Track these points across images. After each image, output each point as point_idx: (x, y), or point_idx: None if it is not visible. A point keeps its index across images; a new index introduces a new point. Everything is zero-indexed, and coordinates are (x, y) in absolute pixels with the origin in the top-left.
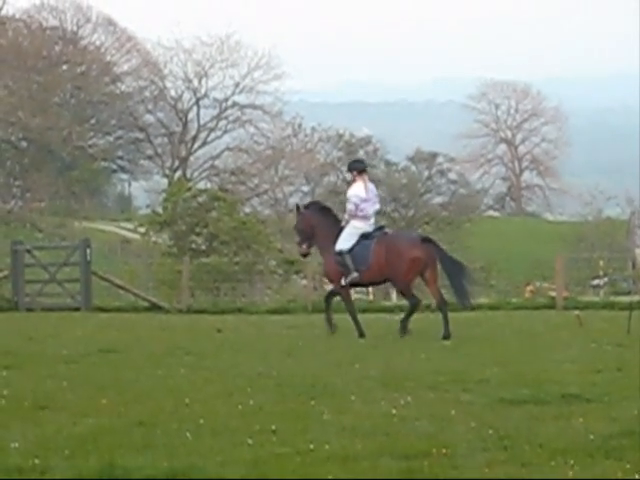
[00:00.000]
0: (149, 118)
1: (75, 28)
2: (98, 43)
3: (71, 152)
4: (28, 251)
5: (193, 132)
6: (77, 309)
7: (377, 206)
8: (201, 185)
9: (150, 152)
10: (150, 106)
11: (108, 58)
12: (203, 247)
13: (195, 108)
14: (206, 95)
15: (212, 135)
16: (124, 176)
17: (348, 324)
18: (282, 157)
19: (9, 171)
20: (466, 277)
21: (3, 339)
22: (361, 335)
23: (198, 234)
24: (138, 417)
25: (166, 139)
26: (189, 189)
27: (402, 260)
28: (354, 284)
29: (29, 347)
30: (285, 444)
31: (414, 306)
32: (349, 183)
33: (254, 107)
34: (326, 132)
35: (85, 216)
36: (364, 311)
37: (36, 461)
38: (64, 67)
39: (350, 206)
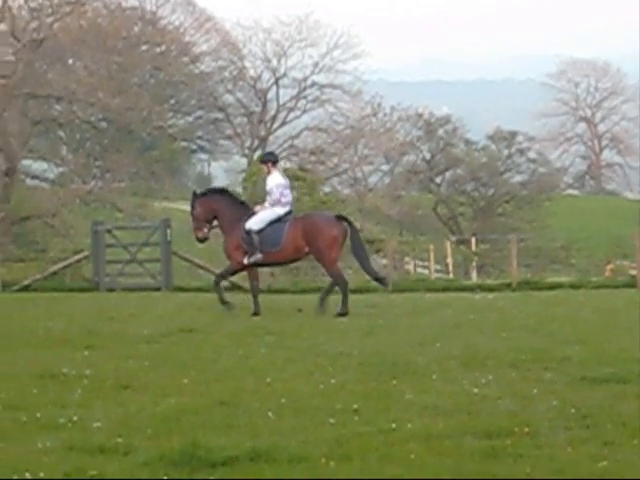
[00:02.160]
0: (228, 98)
1: (154, 8)
2: (177, 23)
3: (151, 132)
4: (109, 231)
5: (272, 112)
6: (157, 289)
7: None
8: (281, 165)
9: (229, 132)
10: (229, 86)
11: (187, 38)
12: None
13: (274, 88)
14: (285, 75)
15: (291, 115)
16: (204, 156)
17: (422, 304)
18: (361, 136)
19: (89, 152)
20: (368, 257)
21: (85, 319)
22: (256, 314)
23: None
24: (220, 396)
25: (245, 119)
26: None
27: (324, 239)
28: (258, 264)
29: (110, 327)
30: (367, 423)
31: (336, 285)
32: (265, 175)
33: (333, 86)
34: (405, 111)
35: (165, 196)
36: (444, 289)
37: (119, 440)
38: (143, 47)
39: (276, 195)
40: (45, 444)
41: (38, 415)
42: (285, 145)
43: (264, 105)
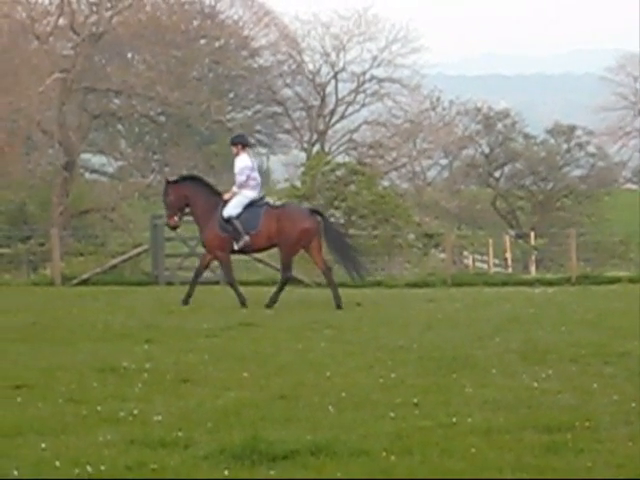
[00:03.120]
0: (287, 92)
1: (213, 2)
2: (236, 17)
3: (210, 126)
4: (168, 225)
5: (331, 106)
6: (216, 283)
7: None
8: (339, 159)
9: (288, 126)
10: (288, 80)
11: (246, 32)
12: (342, 221)
13: (333, 82)
14: (344, 69)
15: (350, 109)
16: (262, 150)
17: (481, 298)
18: (420, 130)
19: (148, 145)
20: (351, 249)
21: (144, 313)
22: (242, 304)
23: (337, 208)
24: (280, 390)
25: (304, 113)
26: (327, 163)
27: (294, 230)
28: (240, 251)
29: (170, 321)
30: (427, 417)
31: (287, 280)
32: (233, 156)
33: (392, 80)
34: (464, 105)
35: (224, 190)
36: (503, 284)
37: (179, 434)
38: (202, 41)
39: (242, 177)
40: (106, 437)
41: (99, 408)
42: (344, 139)
43: (323, 99)
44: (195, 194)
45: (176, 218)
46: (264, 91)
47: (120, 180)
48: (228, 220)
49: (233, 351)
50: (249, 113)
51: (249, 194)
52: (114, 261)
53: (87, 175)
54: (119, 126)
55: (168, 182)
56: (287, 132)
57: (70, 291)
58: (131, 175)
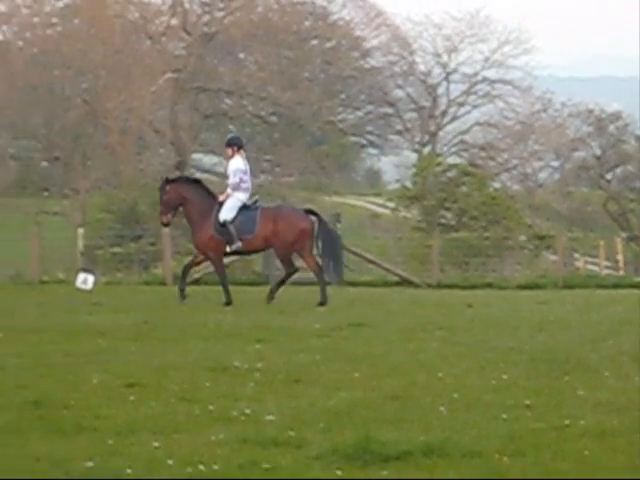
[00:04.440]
0: (398, 93)
1: (325, 3)
2: (348, 18)
3: (321, 127)
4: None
5: (442, 107)
6: (327, 283)
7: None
8: (450, 160)
9: (399, 127)
10: (400, 81)
11: (358, 33)
12: (452, 222)
13: (444, 83)
14: (455, 70)
15: (461, 110)
16: (373, 151)
17: (592, 300)
18: (531, 132)
19: (259, 146)
20: (340, 251)
21: (255, 313)
22: (228, 304)
23: (448, 209)
24: (391, 391)
25: (415, 114)
26: (439, 164)
27: (291, 231)
28: (234, 252)
29: (281, 321)
30: (540, 419)
31: (291, 274)
32: (227, 158)
33: (504, 82)
34: (576, 107)
35: (334, 191)
36: (615, 286)
37: (291, 434)
38: (314, 42)
39: (235, 179)
40: (218, 436)
41: (211, 407)
42: (455, 140)
43: (434, 100)
44: (192, 196)
45: (169, 216)
46: (375, 92)
47: None
48: (224, 224)
49: (344, 351)
50: (360, 114)
51: (241, 197)
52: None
53: (198, 175)
54: (230, 126)
55: (167, 181)
56: (398, 133)
57: None
58: None
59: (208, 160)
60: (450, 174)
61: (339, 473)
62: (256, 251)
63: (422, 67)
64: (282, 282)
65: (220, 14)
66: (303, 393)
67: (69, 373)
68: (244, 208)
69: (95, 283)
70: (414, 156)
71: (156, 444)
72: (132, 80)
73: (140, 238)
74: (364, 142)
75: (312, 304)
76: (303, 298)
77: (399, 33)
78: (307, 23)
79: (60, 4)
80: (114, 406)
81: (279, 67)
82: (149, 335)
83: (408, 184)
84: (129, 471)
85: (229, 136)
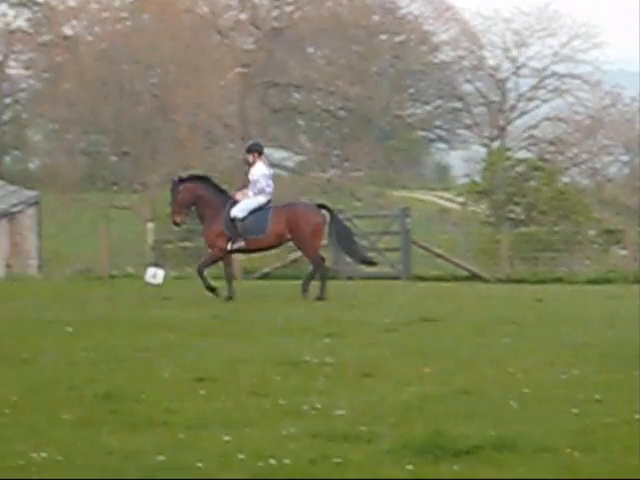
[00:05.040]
0: (467, 87)
1: None
2: (416, 12)
3: (390, 121)
4: (348, 220)
5: (512, 101)
6: (397, 278)
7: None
8: (519, 154)
9: (468, 121)
10: (468, 75)
11: (426, 27)
12: (521, 217)
13: (513, 77)
14: (525, 64)
15: (531, 104)
16: (442, 145)
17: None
18: (601, 127)
19: (328, 140)
20: (355, 242)
21: (325, 307)
22: (230, 298)
23: (517, 203)
24: (462, 385)
25: (484, 108)
26: (508, 158)
27: (307, 225)
28: (241, 250)
29: (351, 315)
30: (611, 414)
31: (318, 269)
32: (249, 164)
33: (573, 76)
34: None
35: (403, 185)
36: None
37: (362, 428)
38: (383, 37)
39: (261, 185)
40: (289, 430)
41: (281, 402)
42: (524, 135)
43: (503, 95)
44: (206, 194)
45: (183, 215)
46: (444, 86)
47: (300, 174)
48: (233, 220)
49: (414, 346)
50: (429, 108)
51: (262, 200)
52: (295, 255)
53: None
54: (299, 121)
55: (180, 180)
56: (467, 127)
57: (251, 285)
58: (311, 170)
59: (277, 155)
60: (519, 169)
61: (410, 468)
62: (269, 248)
63: (491, 61)
64: (312, 276)
65: (289, 9)
66: (373, 387)
67: (140, 367)
68: (257, 209)
69: (165, 277)
70: (483, 150)
71: (227, 438)
72: (201, 75)
73: None
74: (433, 136)
75: (382, 299)
76: (374, 292)
77: (468, 27)
78: (376, 17)
79: None
80: (184, 400)
81: (348, 62)
82: (219, 329)
83: (477, 179)
84: (200, 465)
85: (250, 142)
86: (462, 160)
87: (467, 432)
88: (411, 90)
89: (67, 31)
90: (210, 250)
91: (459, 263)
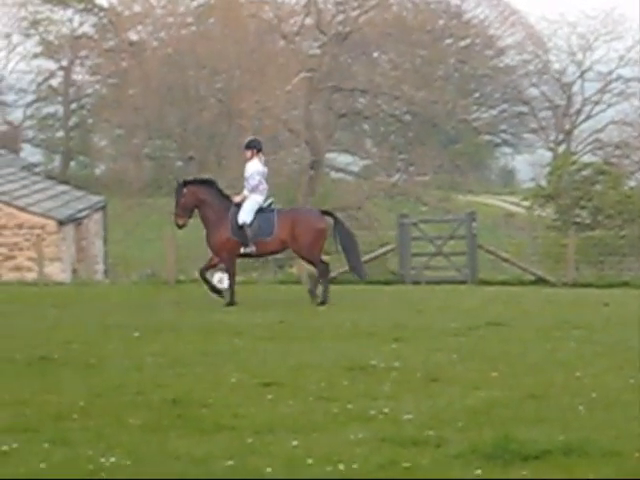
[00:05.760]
0: (533, 91)
1: (459, 2)
2: (482, 17)
3: (455, 126)
4: (414, 224)
5: (577, 105)
6: (463, 282)
7: None
8: (585, 158)
9: (534, 125)
10: (534, 79)
11: (491, 32)
12: (588, 221)
13: (579, 81)
14: (590, 68)
15: (596, 108)
16: (507, 149)
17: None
18: None
19: (393, 145)
20: (359, 250)
21: (392, 312)
22: (231, 304)
23: (583, 207)
24: (529, 390)
25: (550, 112)
26: (574, 162)
27: (309, 232)
28: (247, 255)
29: (417, 320)
30: None
31: (323, 271)
32: (246, 161)
33: (639, 80)
34: None
35: (469, 189)
36: None
37: (430, 433)
38: (448, 41)
39: (254, 182)
40: (357, 435)
41: (349, 406)
42: (590, 139)
43: (569, 98)
44: (209, 198)
45: (186, 218)
46: (510, 90)
47: (365, 179)
48: (242, 226)
49: (481, 350)
50: (494, 112)
51: (258, 198)
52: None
53: (332, 174)
54: (365, 125)
55: (185, 183)
56: (533, 131)
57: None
58: (376, 174)
59: (342, 159)
60: (585, 172)
61: (478, 472)
62: (272, 253)
63: (557, 65)
64: (318, 280)
65: (354, 13)
66: (441, 392)
67: (207, 372)
68: (260, 210)
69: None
70: (548, 155)
71: (295, 443)
72: (266, 80)
73: None
74: (498, 141)
75: (449, 303)
76: (440, 297)
77: (533, 32)
78: (441, 22)
79: (194, 4)
80: (252, 405)
81: (413, 66)
82: (285, 334)
83: (543, 183)
84: (269, 470)
85: (248, 139)
86: (527, 164)
87: (535, 437)
88: (476, 94)
89: (132, 36)
90: (216, 258)
91: (525, 267)
